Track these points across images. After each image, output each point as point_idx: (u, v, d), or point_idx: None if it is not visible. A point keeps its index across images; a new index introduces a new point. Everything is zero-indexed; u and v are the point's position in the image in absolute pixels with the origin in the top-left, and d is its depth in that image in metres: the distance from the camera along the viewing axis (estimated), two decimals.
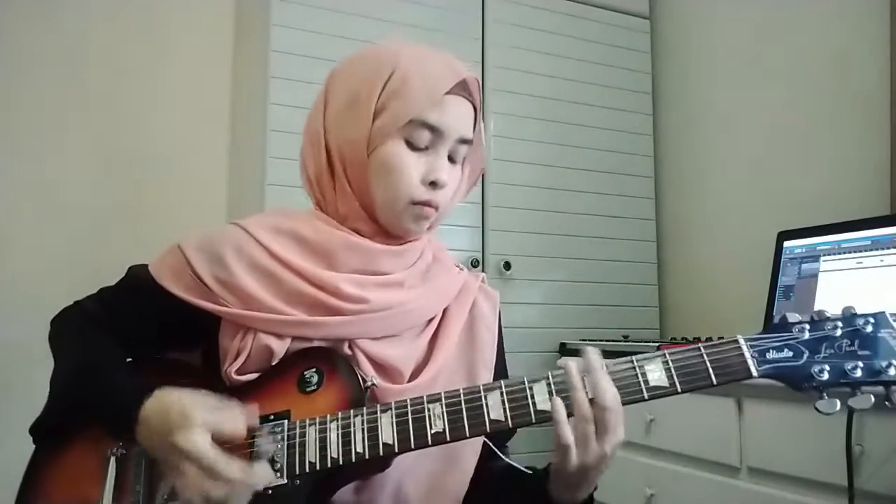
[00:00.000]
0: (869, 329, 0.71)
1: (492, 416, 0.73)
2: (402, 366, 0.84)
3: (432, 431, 0.73)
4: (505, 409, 0.73)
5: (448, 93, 0.82)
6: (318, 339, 0.82)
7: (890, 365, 0.69)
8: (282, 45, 1.87)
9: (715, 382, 0.72)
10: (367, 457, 0.73)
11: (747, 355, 0.72)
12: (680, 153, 2.37)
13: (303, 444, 0.75)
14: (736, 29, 2.18)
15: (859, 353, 0.70)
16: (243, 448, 0.76)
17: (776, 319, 0.75)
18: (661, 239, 2.38)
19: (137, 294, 0.86)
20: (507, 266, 2.07)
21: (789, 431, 1.33)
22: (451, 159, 0.85)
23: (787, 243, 1.69)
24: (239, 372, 0.81)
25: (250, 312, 0.80)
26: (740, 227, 2.11)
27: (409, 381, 0.84)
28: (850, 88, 1.82)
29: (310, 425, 0.76)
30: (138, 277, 0.86)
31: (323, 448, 0.74)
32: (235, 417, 0.72)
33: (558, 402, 0.71)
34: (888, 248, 1.47)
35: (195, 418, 0.70)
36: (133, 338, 0.87)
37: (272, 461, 0.74)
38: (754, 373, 0.71)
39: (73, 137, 1.96)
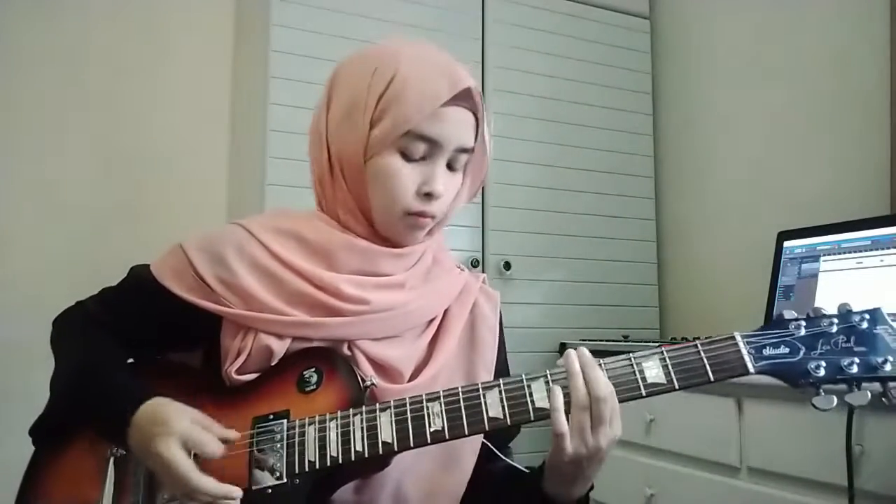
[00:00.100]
0: (865, 325, 0.71)
1: (490, 414, 0.73)
2: (401, 366, 0.84)
3: (431, 430, 0.73)
4: (503, 407, 0.73)
5: (446, 104, 0.80)
6: (318, 339, 0.82)
7: (886, 361, 0.69)
8: (282, 45, 1.87)
9: (712, 379, 0.72)
10: (366, 456, 0.73)
11: (744, 352, 0.72)
12: (680, 153, 2.37)
13: (302, 444, 0.75)
14: (736, 29, 2.18)
15: (855, 349, 0.70)
16: (243, 447, 0.76)
17: (774, 317, 0.75)
18: (661, 239, 2.38)
19: (139, 294, 0.87)
20: (507, 266, 2.07)
21: (789, 431, 1.33)
22: (451, 167, 0.85)
23: (787, 243, 1.69)
24: (239, 372, 0.81)
25: (251, 313, 0.81)
26: (740, 227, 2.11)
27: (409, 381, 0.84)
28: (850, 88, 1.82)
29: (309, 424, 0.76)
30: (140, 277, 0.86)
31: (322, 447, 0.74)
32: (210, 437, 0.74)
33: (557, 389, 0.72)
34: (888, 248, 1.47)
35: (173, 428, 0.72)
36: (135, 338, 0.87)
37: (271, 468, 0.75)
38: (751, 369, 0.72)
39: (73, 137, 1.96)
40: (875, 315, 0.71)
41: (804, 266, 1.63)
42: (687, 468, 1.58)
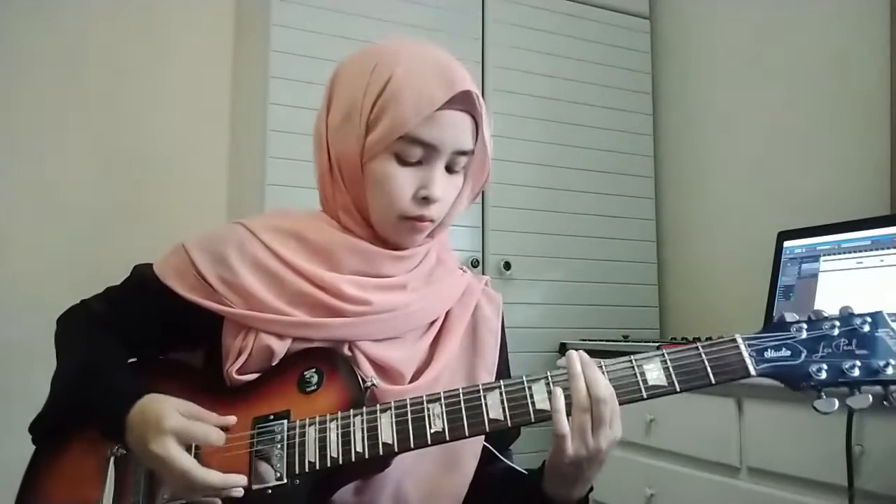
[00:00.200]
0: (866, 328, 0.71)
1: (491, 416, 0.73)
2: (402, 367, 0.84)
3: (432, 431, 0.73)
4: (504, 409, 0.73)
5: (441, 107, 0.79)
6: (319, 340, 0.82)
7: (888, 364, 0.69)
8: (282, 45, 1.87)
9: (713, 382, 0.72)
10: (366, 456, 0.73)
11: (745, 354, 0.72)
12: (680, 153, 2.37)
13: (302, 444, 0.75)
14: (736, 29, 2.18)
15: (857, 352, 0.70)
16: (244, 447, 0.76)
17: (775, 319, 0.75)
18: (661, 239, 2.38)
19: (142, 294, 0.87)
20: (507, 266, 2.07)
21: (789, 431, 1.33)
22: (451, 169, 0.84)
23: (787, 243, 1.69)
24: (240, 372, 0.81)
25: (253, 313, 0.81)
26: (740, 227, 2.11)
27: (410, 382, 0.84)
28: (850, 88, 1.82)
29: (309, 425, 0.76)
30: (143, 277, 0.87)
31: (323, 448, 0.74)
32: (208, 427, 0.74)
33: (558, 391, 0.72)
34: (888, 248, 1.47)
35: (165, 425, 0.72)
36: (137, 337, 0.87)
37: (271, 468, 0.75)
38: (752, 372, 0.72)
39: (73, 137, 1.96)
40: (876, 318, 0.71)
41: (804, 266, 1.63)
42: (687, 468, 1.58)
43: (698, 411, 1.51)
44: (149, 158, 2.04)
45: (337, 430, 0.75)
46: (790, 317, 0.73)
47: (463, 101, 0.81)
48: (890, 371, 0.69)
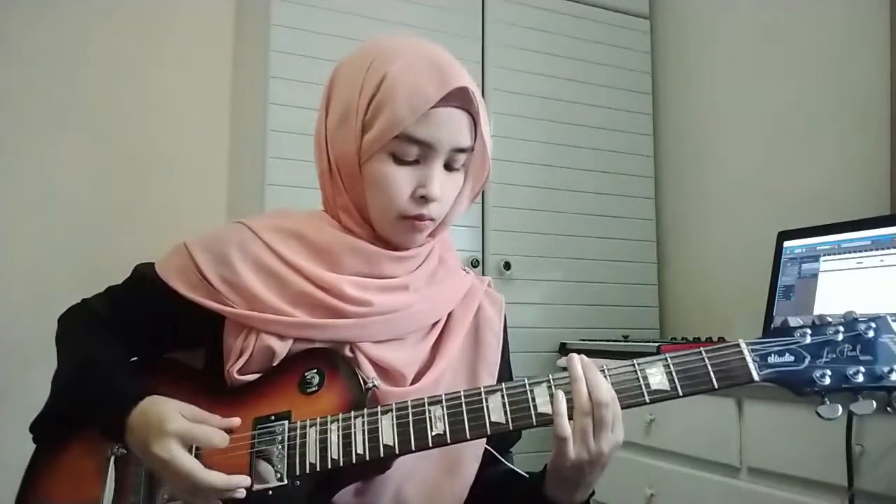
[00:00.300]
0: (871, 334, 0.71)
1: (492, 419, 0.73)
2: (404, 369, 0.83)
3: (433, 433, 0.73)
4: (506, 412, 0.73)
5: (436, 105, 0.78)
6: (320, 341, 0.81)
7: (891, 370, 0.69)
8: (282, 45, 1.87)
9: (716, 386, 0.72)
10: (367, 458, 0.73)
11: (749, 359, 0.72)
12: (680, 153, 2.37)
13: (303, 445, 0.75)
14: (736, 29, 2.18)
15: (861, 357, 0.70)
16: (244, 448, 0.76)
17: (777, 322, 0.75)
18: (661, 239, 2.38)
19: (144, 293, 0.87)
20: (507, 266, 2.07)
21: (789, 431, 1.33)
22: (450, 167, 0.83)
23: (787, 243, 1.69)
24: (241, 372, 0.81)
25: (254, 313, 0.81)
26: (740, 227, 2.11)
27: (412, 384, 0.84)
28: (850, 88, 1.82)
29: (310, 426, 0.76)
30: (145, 277, 0.87)
31: (323, 449, 0.74)
32: (212, 429, 0.74)
33: (560, 394, 0.72)
34: (888, 248, 1.47)
35: (169, 428, 0.72)
36: (138, 337, 0.87)
37: (271, 463, 0.75)
38: (755, 377, 0.71)
39: (73, 137, 1.96)
40: (880, 323, 0.71)
41: (804, 266, 1.63)
42: (687, 468, 1.58)
43: (698, 411, 1.51)
44: (149, 158, 2.04)
45: (338, 431, 0.75)
46: (794, 321, 0.73)
47: (459, 98, 0.80)
48: (894, 377, 0.68)
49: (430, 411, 0.74)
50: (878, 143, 1.71)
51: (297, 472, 0.74)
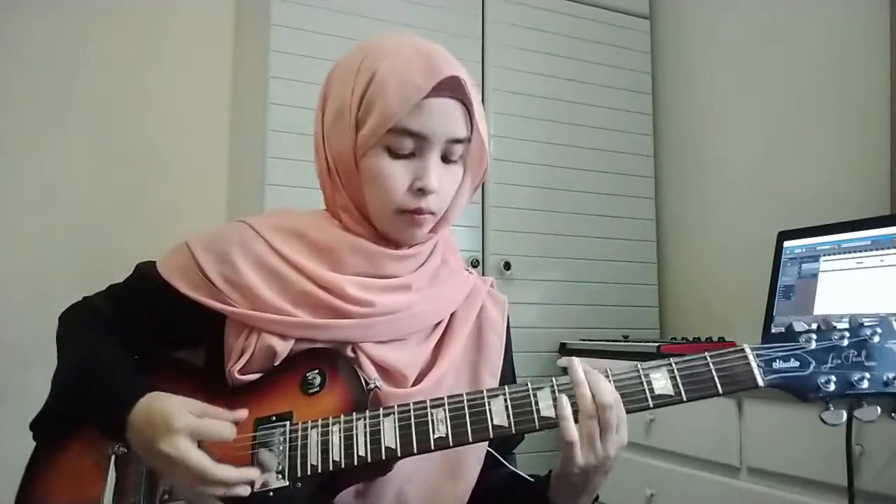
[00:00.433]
0: (876, 339, 0.70)
1: (495, 422, 0.73)
2: (406, 370, 0.83)
3: (435, 436, 0.73)
4: (508, 415, 0.73)
5: (428, 95, 0.77)
6: (322, 341, 0.81)
7: None
8: (282, 45, 1.87)
9: (721, 392, 0.72)
10: (369, 460, 0.73)
11: (753, 365, 0.72)
12: (680, 153, 2.37)
13: (305, 447, 0.75)
14: (736, 29, 2.18)
15: (866, 363, 0.70)
16: (245, 449, 0.76)
17: (780, 327, 0.75)
18: (661, 239, 2.38)
19: (145, 292, 0.87)
20: (507, 266, 2.07)
21: (789, 431, 1.33)
22: (448, 159, 0.83)
23: (787, 243, 1.69)
24: (242, 371, 0.81)
25: (256, 312, 0.80)
26: (740, 227, 2.11)
27: (414, 385, 0.83)
28: (850, 88, 1.82)
29: (312, 427, 0.76)
30: (147, 275, 0.87)
31: (325, 451, 0.74)
32: (220, 423, 0.74)
33: (564, 398, 0.72)
34: (888, 248, 1.47)
35: (176, 424, 0.71)
36: (139, 335, 0.87)
37: (273, 470, 0.74)
38: (760, 382, 0.71)
39: (73, 137, 1.96)
40: (886, 328, 0.71)
41: (804, 266, 1.63)
42: (687, 468, 1.58)
43: (698, 411, 1.50)
44: (149, 158, 2.04)
45: (340, 433, 0.75)
46: (799, 326, 0.73)
47: (451, 88, 0.79)
48: None
49: (432, 414, 0.74)
50: (878, 143, 1.71)
51: (299, 474, 0.74)
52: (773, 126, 2.03)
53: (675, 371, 0.73)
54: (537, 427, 0.73)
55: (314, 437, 0.75)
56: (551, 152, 2.19)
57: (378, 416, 0.75)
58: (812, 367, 0.71)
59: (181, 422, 0.71)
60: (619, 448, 0.72)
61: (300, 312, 0.81)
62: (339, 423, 0.75)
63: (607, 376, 0.73)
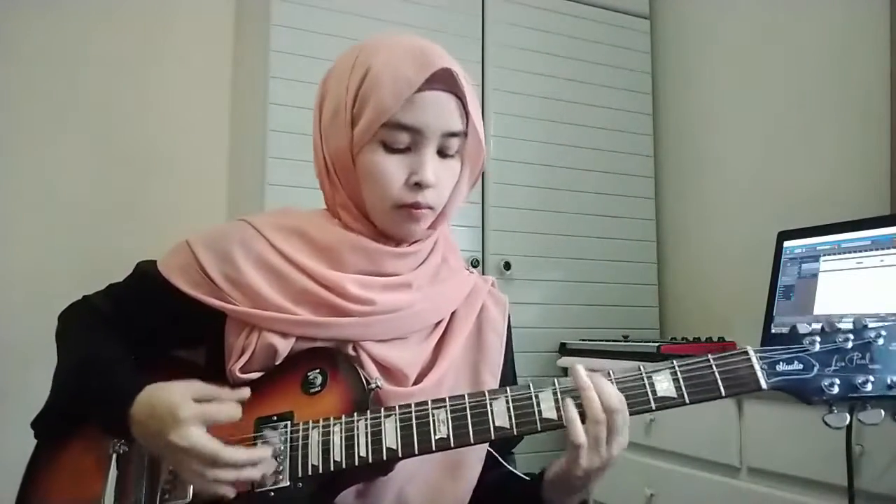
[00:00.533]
0: (881, 342, 0.70)
1: (496, 424, 0.73)
2: (407, 369, 0.83)
3: (436, 437, 0.73)
4: (510, 417, 0.73)
5: (421, 89, 0.78)
6: (323, 339, 0.81)
7: None
8: (282, 45, 1.87)
9: (724, 394, 0.71)
10: (370, 461, 0.73)
11: (757, 367, 0.71)
12: (680, 153, 2.37)
13: (305, 447, 0.75)
14: (736, 29, 2.18)
15: (870, 366, 0.69)
16: (247, 442, 0.76)
17: (781, 327, 0.74)
18: (661, 239, 2.38)
19: (145, 290, 0.87)
20: (507, 266, 2.07)
21: (789, 431, 1.33)
22: (444, 154, 0.83)
23: (787, 243, 1.69)
24: (243, 370, 0.81)
25: (256, 311, 0.80)
26: (740, 227, 2.11)
27: (414, 384, 0.83)
28: (850, 88, 1.82)
29: (313, 427, 0.76)
30: (147, 274, 0.87)
31: (326, 451, 0.74)
32: (226, 405, 0.73)
33: (570, 401, 0.72)
34: (888, 248, 1.47)
35: (183, 415, 0.70)
36: (140, 334, 0.87)
37: (273, 470, 0.74)
38: (764, 385, 0.71)
39: (73, 137, 1.95)
40: (891, 331, 0.70)
41: (804, 266, 1.63)
42: (687, 468, 1.58)
43: (698, 411, 1.49)
44: (149, 158, 2.04)
45: (341, 433, 0.74)
46: (803, 328, 0.72)
47: (444, 81, 0.80)
48: None
49: (433, 415, 0.74)
50: (878, 143, 1.71)
51: (300, 474, 0.74)
52: (773, 126, 2.03)
53: (678, 373, 0.73)
54: (539, 429, 0.73)
55: (315, 437, 0.75)
56: (551, 152, 2.19)
57: (379, 416, 0.75)
58: (816, 369, 0.70)
59: (187, 412, 0.71)
60: (622, 449, 0.72)
61: (301, 311, 0.81)
62: (341, 423, 0.75)
63: (609, 378, 0.73)
